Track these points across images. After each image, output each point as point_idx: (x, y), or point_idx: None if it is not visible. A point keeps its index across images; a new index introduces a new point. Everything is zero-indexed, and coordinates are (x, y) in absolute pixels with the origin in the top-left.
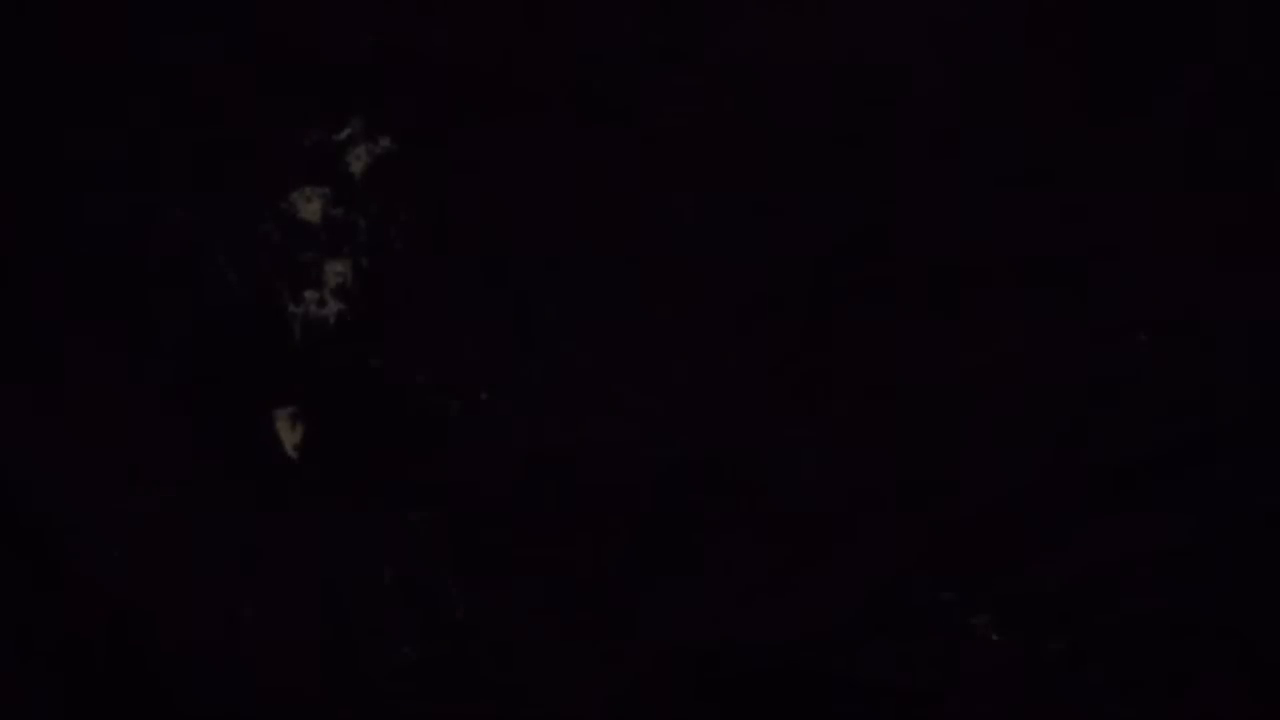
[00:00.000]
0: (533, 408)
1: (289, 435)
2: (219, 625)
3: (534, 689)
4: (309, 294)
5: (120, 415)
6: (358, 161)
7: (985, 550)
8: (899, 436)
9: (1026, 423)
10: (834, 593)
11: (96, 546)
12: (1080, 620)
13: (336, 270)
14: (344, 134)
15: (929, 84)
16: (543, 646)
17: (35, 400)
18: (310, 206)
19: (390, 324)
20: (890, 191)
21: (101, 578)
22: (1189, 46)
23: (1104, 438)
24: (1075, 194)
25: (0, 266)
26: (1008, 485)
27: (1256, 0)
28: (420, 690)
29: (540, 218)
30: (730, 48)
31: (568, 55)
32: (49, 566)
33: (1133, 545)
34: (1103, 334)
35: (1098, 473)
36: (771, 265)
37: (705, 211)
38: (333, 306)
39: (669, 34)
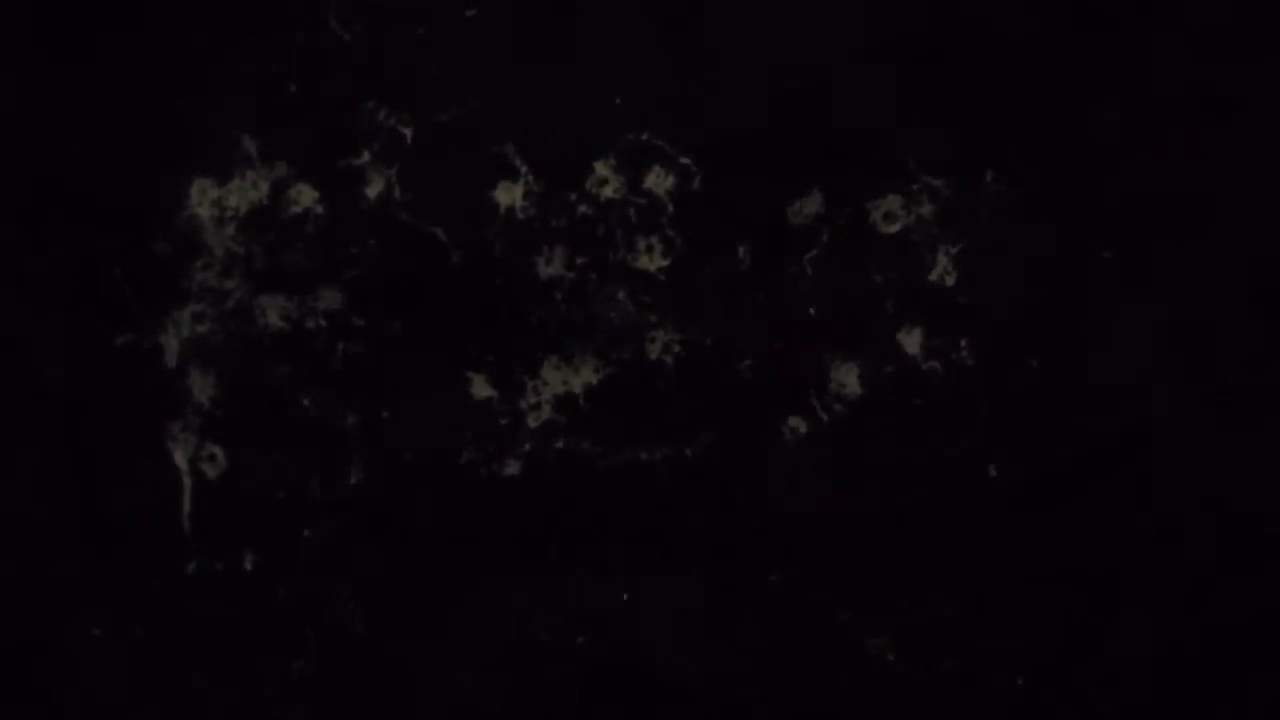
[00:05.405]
0: (434, 421)
1: (183, 453)
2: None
3: (433, 704)
4: (192, 308)
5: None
6: (255, 189)
7: (882, 571)
8: (797, 455)
9: (925, 442)
10: (733, 612)
11: None
12: (976, 642)
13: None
14: (242, 152)
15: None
16: (443, 661)
17: None
18: (205, 228)
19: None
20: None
21: None
22: None
23: (1002, 456)
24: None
25: None
26: (905, 505)
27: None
28: (316, 708)
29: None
30: None
31: None
32: None
33: (1030, 566)
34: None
35: (994, 492)
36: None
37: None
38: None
39: None
